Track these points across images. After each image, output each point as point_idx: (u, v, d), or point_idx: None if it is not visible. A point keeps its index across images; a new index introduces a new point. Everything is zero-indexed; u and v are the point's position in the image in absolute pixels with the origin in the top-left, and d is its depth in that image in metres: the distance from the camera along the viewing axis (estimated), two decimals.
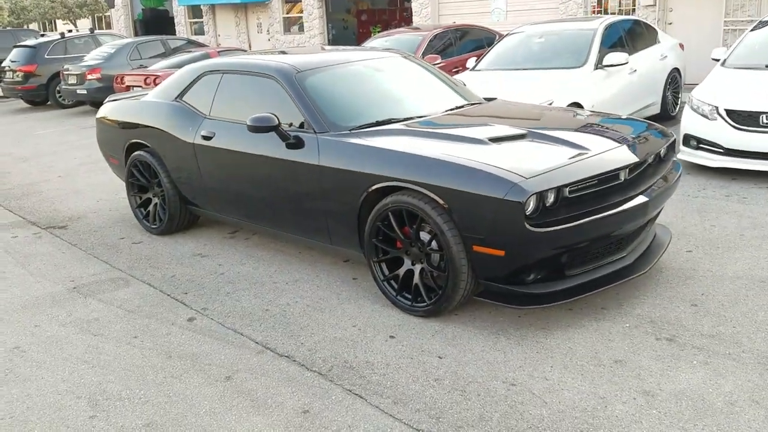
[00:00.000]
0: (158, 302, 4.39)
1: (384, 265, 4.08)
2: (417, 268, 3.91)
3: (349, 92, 4.67)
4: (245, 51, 14.29)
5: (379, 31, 20.33)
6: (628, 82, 7.91)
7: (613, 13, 12.65)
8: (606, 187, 3.68)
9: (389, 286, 4.05)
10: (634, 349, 3.41)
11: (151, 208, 5.85)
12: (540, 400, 3.03)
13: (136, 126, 5.69)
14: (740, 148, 6.10)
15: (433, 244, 3.76)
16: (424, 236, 3.82)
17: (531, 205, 3.38)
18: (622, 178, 3.76)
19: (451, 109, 4.72)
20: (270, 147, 4.52)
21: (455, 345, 3.57)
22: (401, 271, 3.98)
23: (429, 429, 2.88)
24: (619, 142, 3.93)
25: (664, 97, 8.91)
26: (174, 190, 5.52)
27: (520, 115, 4.60)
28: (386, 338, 3.71)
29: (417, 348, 3.57)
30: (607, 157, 3.74)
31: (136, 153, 5.72)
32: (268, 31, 19.59)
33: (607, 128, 4.26)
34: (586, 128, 4.22)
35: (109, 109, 6.15)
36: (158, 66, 13.05)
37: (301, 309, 4.16)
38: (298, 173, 4.34)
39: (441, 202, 3.60)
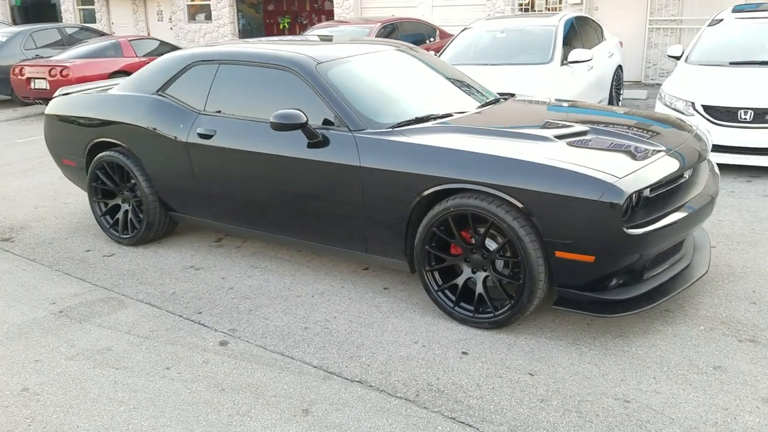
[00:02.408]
0: (172, 325, 3.84)
1: (437, 274, 3.77)
2: (480, 276, 3.63)
3: (375, 86, 4.29)
4: (159, 40, 13.32)
5: (288, 23, 19.74)
6: (588, 79, 7.96)
7: (540, 11, 12.85)
8: (675, 186, 3.56)
9: (444, 296, 3.74)
10: (725, 354, 3.30)
11: (120, 215, 5.18)
12: (665, 417, 2.83)
13: (103, 123, 5.01)
14: (719, 143, 6.24)
15: (496, 249, 3.49)
16: (489, 242, 3.55)
17: (625, 207, 3.19)
18: (687, 177, 3.65)
19: (483, 105, 4.46)
20: (289, 146, 4.08)
21: (539, 359, 3.32)
22: (460, 280, 3.68)
23: None
24: (677, 140, 3.82)
25: (610, 93, 9.08)
26: (154, 195, 4.91)
27: (556, 111, 4.39)
28: (459, 355, 3.40)
29: (499, 365, 3.29)
30: (676, 154, 3.61)
31: (103, 154, 5.04)
32: (170, 19, 18.45)
33: (653, 125, 4.13)
34: (638, 124, 4.05)
35: (63, 104, 5.39)
36: (65, 56, 11.91)
37: (344, 325, 3.76)
38: (330, 176, 3.92)
39: (519, 205, 3.33)
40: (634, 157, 3.45)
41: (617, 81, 9.32)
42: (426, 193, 3.61)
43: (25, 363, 3.46)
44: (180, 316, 3.95)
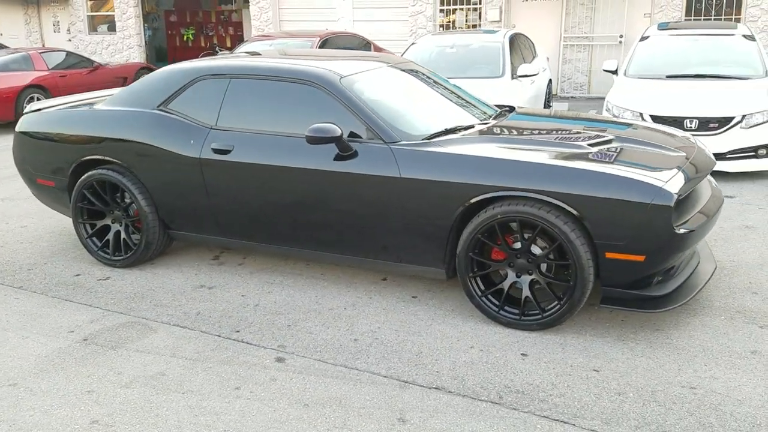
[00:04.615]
0: (216, 345, 3.73)
1: (479, 280, 3.89)
2: (525, 279, 3.79)
3: (397, 99, 4.38)
4: (65, 51, 12.64)
5: (192, 34, 19.29)
6: (531, 91, 8.40)
7: (460, 28, 13.32)
8: (694, 190, 3.89)
9: (488, 301, 3.87)
10: (754, 339, 3.64)
11: (111, 236, 4.94)
12: (733, 399, 3.10)
13: (95, 140, 4.76)
14: None
15: (535, 251, 3.68)
16: (534, 247, 3.73)
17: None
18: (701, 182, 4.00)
19: (497, 116, 4.65)
20: (316, 159, 4.09)
21: (596, 356, 3.52)
22: (506, 284, 3.83)
23: None
24: (690, 149, 4.14)
25: (545, 104, 9.60)
26: (153, 213, 4.72)
27: (569, 121, 4.63)
28: (519, 357, 3.54)
29: (562, 363, 3.46)
30: (694, 161, 3.95)
31: (93, 172, 4.79)
32: (68, 30, 17.49)
33: (661, 135, 4.42)
34: (649, 134, 4.34)
35: (39, 121, 5.07)
36: None
37: (392, 335, 3.81)
38: (366, 187, 3.96)
39: (573, 210, 3.52)
40: (665, 162, 3.75)
41: (548, 93, 9.86)
42: (472, 201, 3.74)
43: (78, 395, 3.25)
44: (218, 335, 3.85)
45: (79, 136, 4.84)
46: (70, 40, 17.39)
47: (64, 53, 12.80)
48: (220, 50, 17.93)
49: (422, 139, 3.99)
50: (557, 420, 2.99)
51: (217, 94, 4.49)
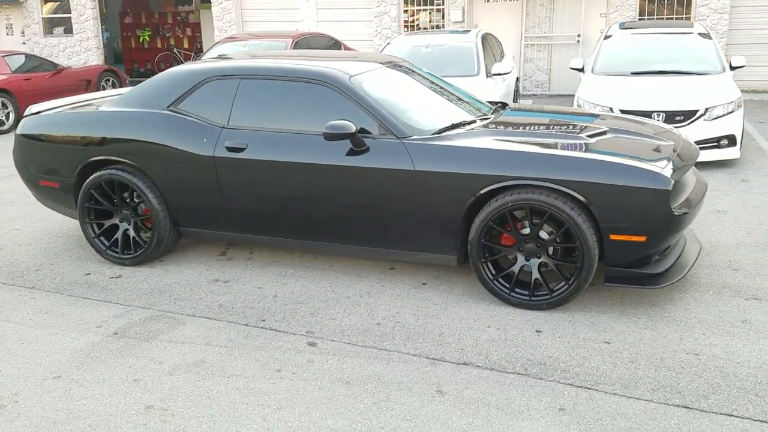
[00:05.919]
0: (247, 333, 3.90)
1: (491, 265, 4.16)
2: (534, 262, 4.07)
3: (403, 97, 4.61)
4: (25, 54, 12.44)
5: (149, 35, 19.11)
6: (503, 89, 8.75)
7: (425, 29, 13.63)
8: (683, 177, 4.24)
9: (500, 284, 4.14)
10: (742, 310, 4.01)
11: (120, 235, 5.03)
12: (734, 362, 3.44)
13: (103, 141, 4.85)
14: None
15: (543, 236, 3.98)
16: (542, 232, 4.01)
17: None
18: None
19: (494, 113, 4.92)
20: (328, 154, 4.29)
21: (604, 330, 3.83)
22: (516, 268, 4.10)
23: (690, 404, 3.12)
24: (677, 139, 4.49)
25: (513, 101, 9.97)
26: (164, 211, 4.85)
27: (558, 115, 4.94)
28: (534, 333, 3.82)
29: (574, 338, 3.75)
30: (688, 147, 4.30)
31: (102, 172, 4.88)
32: (22, 33, 17.13)
33: (649, 126, 4.78)
34: (643, 125, 4.67)
35: (41, 123, 5.13)
36: None
37: (412, 318, 4.04)
38: (381, 181, 4.18)
39: (580, 197, 3.82)
40: (658, 151, 4.09)
41: (516, 91, 10.24)
42: (483, 191, 4.00)
43: (126, 383, 3.39)
44: (246, 325, 4.01)
45: (87, 138, 4.92)
46: (24, 43, 17.05)
47: (24, 56, 12.60)
48: (178, 52, 17.84)
49: (432, 134, 4.24)
50: (581, 387, 3.27)
51: (228, 95, 4.64)
